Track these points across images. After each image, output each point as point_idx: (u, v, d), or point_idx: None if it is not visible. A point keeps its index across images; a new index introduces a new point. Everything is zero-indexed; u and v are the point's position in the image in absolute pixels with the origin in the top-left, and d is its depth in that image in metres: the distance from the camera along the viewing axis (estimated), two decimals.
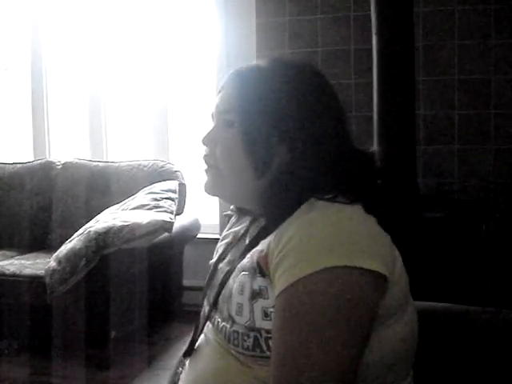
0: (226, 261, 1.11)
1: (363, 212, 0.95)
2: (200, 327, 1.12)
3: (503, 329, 1.18)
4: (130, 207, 2.96)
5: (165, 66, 3.71)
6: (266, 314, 0.93)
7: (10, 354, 2.91)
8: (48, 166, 3.65)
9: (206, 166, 1.09)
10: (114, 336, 2.77)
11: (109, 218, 2.79)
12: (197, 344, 1.10)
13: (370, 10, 2.50)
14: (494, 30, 2.94)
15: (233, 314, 0.98)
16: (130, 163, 3.48)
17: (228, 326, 0.99)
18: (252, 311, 0.94)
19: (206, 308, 1.11)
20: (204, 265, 1.21)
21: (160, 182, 3.22)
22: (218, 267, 1.12)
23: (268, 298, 0.93)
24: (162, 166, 3.39)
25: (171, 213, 2.93)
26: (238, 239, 1.13)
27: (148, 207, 2.93)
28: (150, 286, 2.93)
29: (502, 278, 2.67)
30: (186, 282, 3.33)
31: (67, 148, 4.00)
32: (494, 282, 2.34)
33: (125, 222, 2.71)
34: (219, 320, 1.03)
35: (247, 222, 1.14)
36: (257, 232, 1.05)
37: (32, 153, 4.01)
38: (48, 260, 2.84)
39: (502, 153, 2.98)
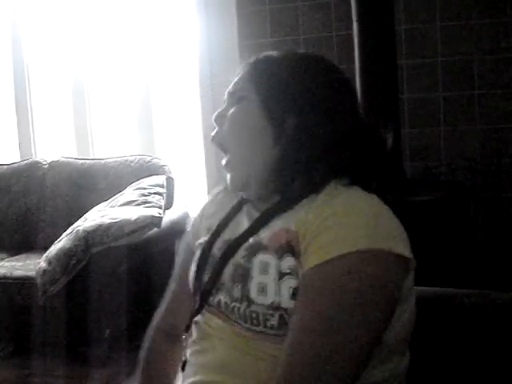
0: (221, 240, 1.08)
1: (375, 197, 0.99)
2: (197, 306, 1.08)
3: (492, 311, 1.19)
4: (119, 204, 2.95)
5: (147, 59, 3.69)
6: (293, 293, 0.93)
7: (5, 356, 2.90)
8: (34, 166, 3.62)
9: (223, 162, 1.08)
10: (108, 334, 2.76)
11: (97, 216, 2.79)
12: (195, 329, 1.08)
13: None
14: (476, 10, 2.94)
15: (252, 294, 0.96)
16: (117, 159, 3.47)
17: (242, 306, 0.97)
18: (279, 291, 0.94)
19: (198, 289, 1.08)
20: None
21: (147, 177, 3.20)
22: (212, 248, 1.09)
23: (296, 278, 0.93)
24: (149, 161, 3.38)
25: (160, 208, 2.92)
26: (228, 216, 1.11)
27: (136, 203, 2.92)
28: (142, 282, 2.92)
29: (491, 260, 2.68)
30: None
31: (53, 147, 3.97)
32: (484, 264, 2.35)
33: (113, 219, 2.70)
34: (226, 301, 1.01)
35: (235, 201, 1.13)
36: (265, 209, 1.04)
37: (18, 153, 3.98)
38: (38, 261, 2.83)
39: (488, 133, 2.98)
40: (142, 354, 1.22)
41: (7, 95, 4.01)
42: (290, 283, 0.93)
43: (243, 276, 0.98)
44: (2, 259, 3.20)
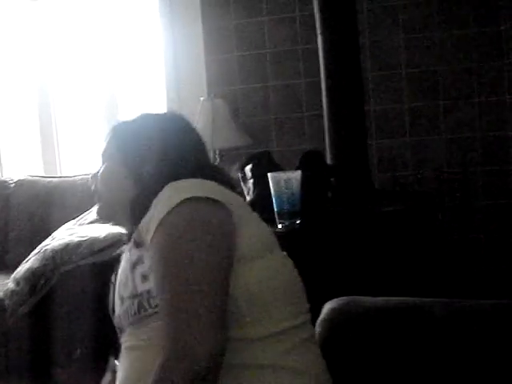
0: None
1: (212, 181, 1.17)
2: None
3: (461, 319, 1.20)
4: (87, 222, 2.91)
5: (113, 74, 3.67)
6: (144, 278, 1.09)
7: None
8: (1, 186, 3.56)
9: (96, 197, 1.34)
10: (79, 354, 2.72)
11: (65, 235, 2.75)
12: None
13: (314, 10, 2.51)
14: (437, 21, 2.99)
15: (122, 292, 1.15)
16: (85, 177, 3.43)
17: (120, 308, 1.15)
18: (133, 280, 1.11)
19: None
20: None
21: None
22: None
23: (144, 263, 1.10)
24: None
25: None
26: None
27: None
28: None
29: (458, 269, 2.71)
30: None
31: (19, 166, 3.92)
32: (451, 272, 2.38)
33: (82, 237, 2.67)
34: (117, 310, 1.18)
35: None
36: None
37: None
38: (6, 281, 2.78)
39: (454, 142, 3.03)
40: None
41: None
42: (139, 270, 1.10)
43: (119, 286, 1.19)
44: None
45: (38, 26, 3.74)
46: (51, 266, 2.58)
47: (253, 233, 1.12)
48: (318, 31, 2.48)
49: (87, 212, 3.05)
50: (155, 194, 1.14)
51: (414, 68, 3.04)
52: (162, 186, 1.14)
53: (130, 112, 3.59)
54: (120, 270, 1.20)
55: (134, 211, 1.20)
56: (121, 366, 1.15)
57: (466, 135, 3.01)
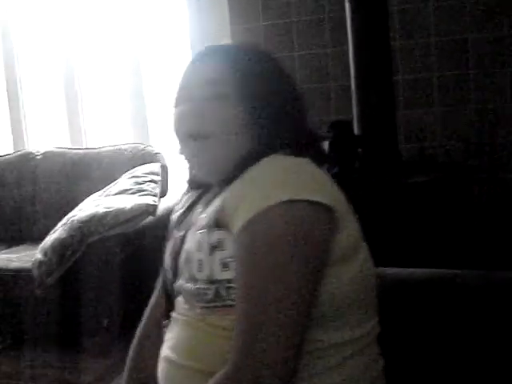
0: (179, 228, 1.14)
1: (309, 161, 1.02)
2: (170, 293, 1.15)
3: (493, 290, 1.18)
4: (113, 193, 2.93)
5: (138, 47, 3.65)
6: (224, 265, 0.98)
7: (5, 350, 2.89)
8: (28, 157, 3.59)
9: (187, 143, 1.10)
10: (106, 323, 2.75)
11: (92, 206, 2.77)
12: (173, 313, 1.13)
13: None
14: None
15: (194, 272, 1.02)
16: (110, 148, 3.44)
17: (191, 285, 1.03)
18: (211, 264, 0.99)
19: (169, 278, 1.14)
20: None
21: (141, 165, 3.18)
22: (174, 235, 1.15)
23: (226, 250, 0.98)
24: (143, 149, 3.35)
25: (155, 195, 2.90)
26: (188, 208, 1.17)
27: (131, 191, 2.90)
28: (138, 270, 2.90)
29: (490, 240, 2.67)
30: None
31: (46, 138, 3.94)
32: (482, 244, 2.34)
33: (108, 208, 2.68)
34: (183, 283, 1.06)
35: (197, 193, 1.18)
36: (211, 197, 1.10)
37: (11, 145, 3.95)
38: (34, 252, 2.81)
39: (483, 112, 2.96)
40: (134, 342, 1.25)
41: None
42: (220, 255, 0.98)
43: (188, 257, 1.05)
44: None
45: (64, 6, 3.73)
46: (78, 237, 2.60)
47: (349, 233, 0.99)
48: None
49: (113, 183, 3.07)
50: (258, 158, 1.00)
51: (443, 36, 2.97)
52: (265, 153, 1.01)
53: (155, 86, 3.64)
54: (190, 240, 1.06)
55: (235, 171, 1.03)
56: (177, 335, 1.08)
57: (496, 105, 2.94)
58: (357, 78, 2.44)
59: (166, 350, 1.09)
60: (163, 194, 3.12)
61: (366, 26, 2.42)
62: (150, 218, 2.80)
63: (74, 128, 3.83)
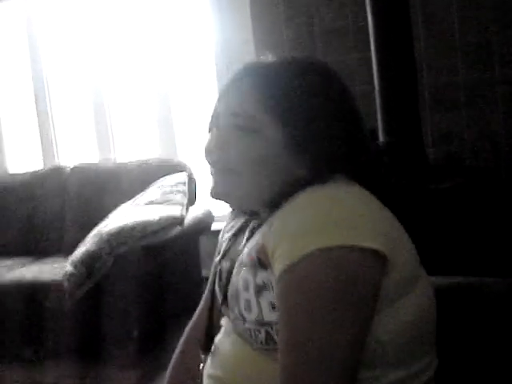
0: (226, 257, 1.09)
1: (359, 190, 0.94)
2: (214, 322, 1.11)
3: None
4: (141, 204, 2.95)
5: (164, 61, 3.69)
6: (273, 307, 0.91)
7: (37, 361, 2.92)
8: (58, 172, 3.67)
9: (213, 170, 1.03)
10: (136, 334, 2.77)
11: (120, 218, 2.79)
12: (216, 339, 1.09)
13: None
14: None
15: (242, 311, 0.96)
16: (138, 162, 3.48)
17: (240, 323, 0.97)
18: (259, 306, 0.93)
19: (218, 304, 1.09)
20: None
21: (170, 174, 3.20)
22: (222, 265, 1.10)
23: (271, 291, 0.91)
24: (170, 162, 3.38)
25: (182, 205, 2.91)
26: (236, 234, 1.11)
27: (159, 202, 2.92)
28: (168, 281, 2.92)
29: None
30: (204, 273, 3.32)
31: (76, 152, 4.00)
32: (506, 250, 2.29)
33: (136, 220, 2.70)
34: (232, 318, 1.01)
35: (245, 217, 1.12)
36: (256, 225, 1.04)
37: (42, 160, 4.02)
38: (65, 264, 2.84)
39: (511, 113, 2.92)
40: (171, 364, 1.23)
41: (28, 104, 4.05)
42: (268, 297, 0.92)
43: (236, 295, 0.98)
44: (30, 263, 3.24)
45: (91, 21, 3.79)
46: (107, 249, 2.62)
47: (403, 268, 0.89)
48: (368, 7, 2.41)
49: (141, 193, 3.09)
50: (304, 186, 0.91)
51: (468, 38, 2.93)
52: (312, 181, 0.92)
53: (182, 99, 3.65)
54: (236, 274, 0.99)
55: (280, 197, 0.95)
56: (228, 352, 1.04)
57: None
58: (380, 83, 2.42)
59: (213, 368, 1.05)
60: (191, 203, 3.13)
61: (388, 31, 2.40)
62: (178, 228, 2.82)
63: (103, 142, 3.88)
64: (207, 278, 1.20)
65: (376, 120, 2.48)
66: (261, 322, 0.93)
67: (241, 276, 0.97)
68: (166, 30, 3.67)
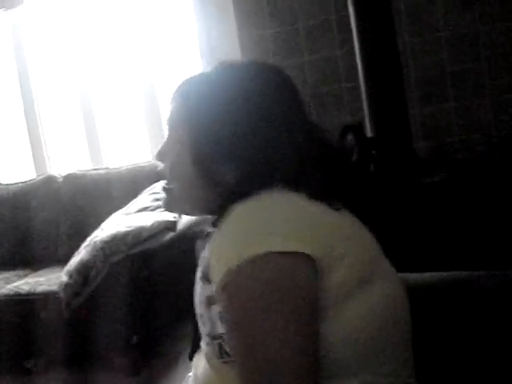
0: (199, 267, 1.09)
1: (295, 197, 0.91)
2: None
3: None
4: (133, 211, 2.94)
5: (150, 62, 3.68)
6: (223, 318, 0.91)
7: (38, 372, 2.92)
8: (50, 181, 3.65)
9: (164, 184, 1.06)
10: (136, 341, 2.77)
11: (113, 225, 2.79)
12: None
13: None
14: None
15: (201, 326, 0.98)
16: (130, 167, 3.47)
17: (203, 337, 0.99)
18: (211, 319, 0.94)
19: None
20: None
21: (160, 181, 3.20)
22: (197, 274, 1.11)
23: (218, 304, 0.92)
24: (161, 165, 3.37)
25: None
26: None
27: (151, 208, 2.91)
28: (164, 287, 2.92)
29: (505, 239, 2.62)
30: None
31: (67, 161, 4.00)
32: (503, 244, 2.28)
33: (129, 227, 2.70)
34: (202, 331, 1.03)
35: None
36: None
37: (34, 170, 4.02)
38: (60, 274, 2.84)
39: (500, 104, 2.92)
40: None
41: (17, 115, 4.05)
42: (216, 309, 0.92)
43: (196, 308, 1.00)
44: (26, 275, 3.23)
45: (76, 28, 3.78)
46: (101, 258, 2.62)
47: (345, 270, 0.87)
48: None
49: (133, 201, 3.09)
50: (241, 197, 0.90)
51: (452, 30, 2.93)
52: (242, 195, 0.90)
53: (167, 94, 3.65)
54: (196, 287, 1.01)
55: (219, 211, 0.94)
56: (198, 367, 1.06)
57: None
58: (365, 78, 2.42)
59: (193, 380, 1.08)
60: None
61: (370, 25, 2.40)
62: (171, 233, 2.81)
63: (94, 149, 3.87)
64: None
65: (363, 116, 2.48)
66: (213, 336, 0.94)
67: (197, 291, 0.99)
68: (153, 35, 3.67)
